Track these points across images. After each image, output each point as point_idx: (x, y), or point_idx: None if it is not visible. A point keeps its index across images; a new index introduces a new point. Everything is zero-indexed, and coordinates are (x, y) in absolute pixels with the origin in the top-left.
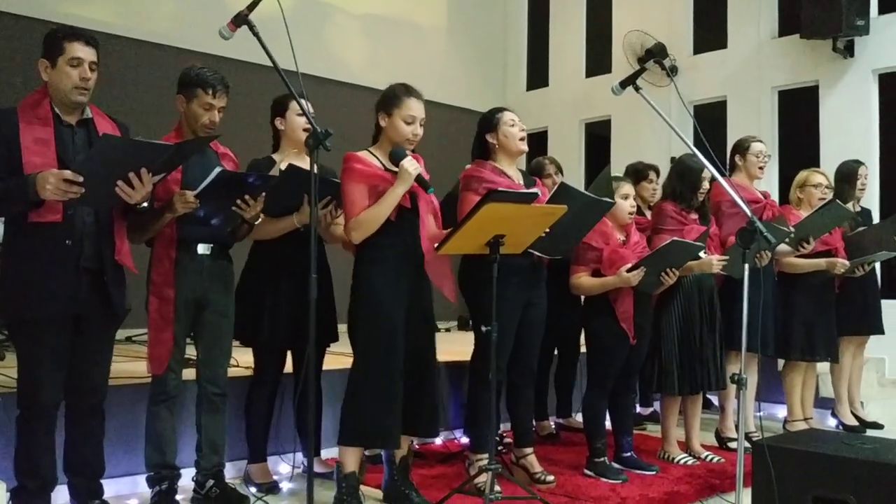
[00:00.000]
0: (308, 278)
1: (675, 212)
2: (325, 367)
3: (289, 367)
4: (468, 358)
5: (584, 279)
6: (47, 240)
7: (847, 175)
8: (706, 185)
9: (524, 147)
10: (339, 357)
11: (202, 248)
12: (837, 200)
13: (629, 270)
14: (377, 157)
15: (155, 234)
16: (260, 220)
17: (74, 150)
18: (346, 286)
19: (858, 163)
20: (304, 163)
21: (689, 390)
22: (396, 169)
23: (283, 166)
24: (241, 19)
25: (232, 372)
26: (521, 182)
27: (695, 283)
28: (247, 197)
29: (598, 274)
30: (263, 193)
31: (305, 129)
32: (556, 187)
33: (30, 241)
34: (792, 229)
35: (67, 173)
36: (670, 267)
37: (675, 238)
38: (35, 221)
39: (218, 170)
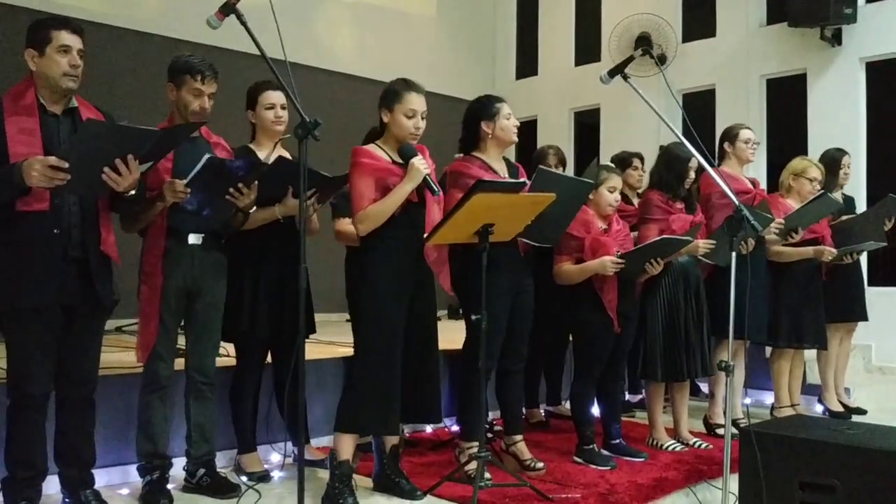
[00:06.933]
0: (288, 269)
1: (662, 201)
2: (317, 357)
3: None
4: (457, 346)
5: (565, 266)
6: (34, 229)
7: (830, 164)
8: (693, 173)
9: (516, 139)
10: (330, 347)
11: (193, 238)
12: (828, 193)
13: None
14: (385, 151)
15: (147, 224)
16: (254, 209)
17: (60, 140)
18: (321, 278)
19: (841, 152)
20: (279, 153)
21: (672, 377)
22: (402, 162)
23: (261, 156)
24: (229, 8)
25: (222, 361)
26: (506, 174)
27: (681, 271)
28: (240, 185)
29: (580, 263)
30: (256, 182)
31: (274, 122)
32: (535, 173)
33: (17, 230)
34: (780, 220)
35: (52, 159)
36: (656, 257)
37: (666, 235)
38: (22, 210)
39: (207, 157)
